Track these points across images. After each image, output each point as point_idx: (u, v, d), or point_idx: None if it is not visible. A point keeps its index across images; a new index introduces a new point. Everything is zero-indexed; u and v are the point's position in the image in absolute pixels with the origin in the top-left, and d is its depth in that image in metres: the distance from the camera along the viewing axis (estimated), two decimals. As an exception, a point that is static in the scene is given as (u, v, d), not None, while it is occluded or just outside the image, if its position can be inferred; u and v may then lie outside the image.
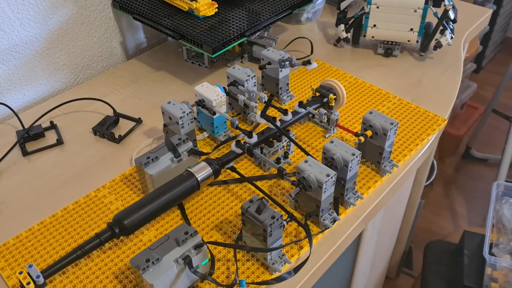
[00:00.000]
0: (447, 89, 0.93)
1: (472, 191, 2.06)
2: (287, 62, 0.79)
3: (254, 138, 0.71)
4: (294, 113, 0.77)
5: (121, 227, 0.59)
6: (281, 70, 0.84)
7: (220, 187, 0.73)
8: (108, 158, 0.80)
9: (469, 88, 2.16)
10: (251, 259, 0.64)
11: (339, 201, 0.70)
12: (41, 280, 0.52)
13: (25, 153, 0.81)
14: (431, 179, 2.00)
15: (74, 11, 0.93)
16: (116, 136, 0.83)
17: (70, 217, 0.70)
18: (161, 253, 0.55)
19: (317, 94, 0.79)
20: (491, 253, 1.23)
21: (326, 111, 0.78)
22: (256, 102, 0.81)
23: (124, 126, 0.86)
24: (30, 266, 0.53)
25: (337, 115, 0.78)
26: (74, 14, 0.93)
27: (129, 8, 0.95)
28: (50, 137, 0.84)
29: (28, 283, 0.52)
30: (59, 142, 0.83)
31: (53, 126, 0.86)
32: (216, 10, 0.92)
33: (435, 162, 2.03)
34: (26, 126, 0.83)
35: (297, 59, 1.01)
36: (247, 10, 0.95)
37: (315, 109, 0.79)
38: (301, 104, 0.76)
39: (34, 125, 0.84)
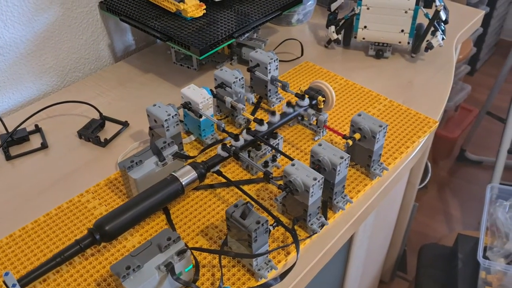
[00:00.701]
0: (439, 91, 0.92)
1: (467, 194, 2.05)
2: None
3: (241, 141, 0.69)
4: (283, 114, 0.75)
5: (102, 233, 0.57)
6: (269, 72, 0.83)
7: (207, 191, 0.72)
8: (93, 162, 0.78)
9: (463, 91, 2.15)
10: (237, 265, 0.62)
11: (327, 205, 0.68)
12: (17, 288, 0.51)
13: (8, 157, 0.79)
14: (425, 182, 1.99)
15: (60, 13, 0.91)
16: (102, 140, 0.81)
17: (52, 223, 0.68)
18: (143, 259, 0.54)
19: (306, 96, 0.78)
20: (485, 257, 1.22)
21: (314, 112, 0.76)
22: (244, 104, 0.80)
23: (110, 129, 0.85)
24: (7, 274, 0.51)
25: (326, 117, 0.77)
26: (60, 16, 0.92)
27: (116, 9, 0.94)
28: (35, 141, 0.83)
29: (4, 292, 0.50)
30: (44, 146, 0.81)
31: (38, 129, 0.84)
32: (204, 11, 0.91)
33: (429, 164, 2.01)
34: (11, 130, 0.82)
35: (287, 60, 1.00)
36: (235, 12, 0.93)
37: (304, 110, 0.77)
38: (289, 104, 0.75)
39: (19, 128, 0.82)
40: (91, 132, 0.82)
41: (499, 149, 1.70)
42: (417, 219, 1.92)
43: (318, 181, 0.61)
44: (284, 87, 0.78)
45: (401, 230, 1.52)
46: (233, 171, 0.75)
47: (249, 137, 0.70)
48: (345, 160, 0.64)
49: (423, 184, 1.99)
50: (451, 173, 2.16)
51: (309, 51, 1.04)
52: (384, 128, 0.69)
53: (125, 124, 0.85)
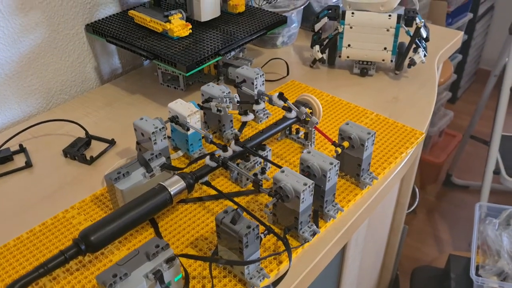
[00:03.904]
0: (423, 105, 0.93)
1: (455, 218, 2.05)
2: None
3: (229, 152, 0.69)
4: (283, 119, 0.75)
5: (87, 243, 0.55)
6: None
7: (195, 204, 0.71)
8: (78, 180, 0.77)
9: (446, 116, 2.19)
10: (228, 275, 0.60)
11: (318, 215, 0.67)
12: (-2, 300, 0.48)
13: (-9, 176, 0.77)
14: (414, 206, 1.99)
15: (46, 35, 0.92)
16: (88, 158, 0.80)
17: (36, 239, 0.66)
18: (130, 268, 0.52)
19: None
20: (478, 275, 1.21)
21: (304, 117, 0.76)
22: (231, 120, 0.80)
23: (96, 147, 0.84)
24: (-13, 285, 0.49)
25: (317, 122, 0.76)
26: (46, 38, 0.92)
27: (102, 31, 0.94)
28: (19, 160, 0.81)
29: (-16, 304, 0.48)
30: (28, 165, 0.79)
31: (22, 149, 0.83)
32: (190, 31, 0.92)
33: (416, 189, 2.02)
34: (-6, 150, 0.80)
35: (273, 80, 1.01)
36: (221, 31, 0.95)
37: (292, 123, 0.77)
38: (281, 96, 0.74)
39: (2, 148, 0.81)
40: (77, 150, 0.81)
41: (485, 169, 1.71)
42: (407, 243, 1.91)
43: (309, 187, 0.60)
44: (271, 100, 0.79)
45: (393, 253, 1.50)
46: (222, 184, 0.74)
47: (238, 148, 0.70)
48: (334, 166, 0.63)
49: (411, 209, 1.99)
50: (439, 197, 2.16)
51: (295, 71, 1.05)
52: (372, 136, 0.69)
53: (111, 142, 0.84)
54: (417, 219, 2.06)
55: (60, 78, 0.97)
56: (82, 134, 0.85)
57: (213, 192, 0.72)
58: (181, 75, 0.96)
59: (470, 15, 2.22)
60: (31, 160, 0.80)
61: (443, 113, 2.19)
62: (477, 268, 1.24)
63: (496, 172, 1.67)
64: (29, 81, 0.92)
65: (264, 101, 0.86)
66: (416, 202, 2.01)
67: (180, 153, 0.80)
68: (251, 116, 0.71)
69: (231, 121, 0.82)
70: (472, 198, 2.11)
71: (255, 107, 0.72)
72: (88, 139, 0.83)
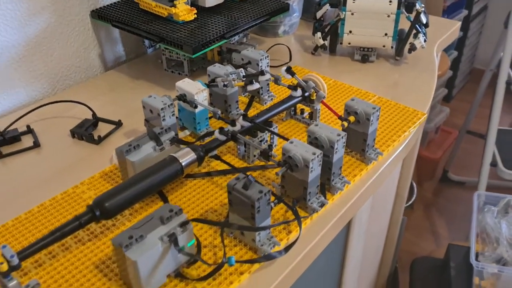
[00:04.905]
0: (424, 89, 0.95)
1: (452, 213, 2.07)
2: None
3: (238, 127, 0.70)
4: (289, 98, 0.76)
5: (102, 209, 0.56)
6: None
7: (204, 179, 0.72)
8: (87, 159, 0.78)
9: (443, 113, 2.21)
10: (238, 244, 0.61)
11: (325, 188, 0.69)
12: (15, 260, 0.49)
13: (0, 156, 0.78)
14: (411, 201, 2.01)
15: (52, 20, 0.93)
16: (96, 137, 0.81)
17: (47, 212, 0.66)
18: (145, 231, 0.53)
19: (299, 88, 0.79)
20: (477, 261, 1.22)
21: (309, 95, 0.77)
22: (237, 99, 0.81)
23: (103, 129, 0.84)
24: (4, 246, 0.50)
25: (324, 96, 0.77)
26: (52, 23, 0.93)
27: (107, 17, 0.95)
28: (27, 141, 0.82)
29: (1, 263, 0.48)
30: (36, 144, 0.80)
31: (29, 130, 0.83)
32: (195, 16, 0.93)
33: (414, 185, 2.04)
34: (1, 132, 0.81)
35: (276, 66, 1.03)
36: (225, 17, 0.96)
37: (298, 102, 0.79)
38: (288, 70, 0.75)
39: (10, 129, 0.81)
40: (85, 130, 0.82)
41: (482, 161, 1.73)
42: (405, 238, 1.92)
43: (317, 156, 0.61)
44: (277, 80, 0.80)
45: (392, 245, 1.51)
46: (229, 161, 0.75)
47: (246, 123, 0.71)
48: (342, 137, 0.65)
49: (409, 203, 2.01)
50: (436, 193, 2.18)
51: (297, 58, 1.06)
52: (377, 111, 0.71)
53: (118, 124, 0.85)
54: (415, 215, 2.07)
55: (65, 64, 0.98)
56: (88, 116, 0.86)
57: (221, 168, 0.73)
58: (185, 61, 0.97)
59: (465, 12, 2.25)
60: (38, 140, 0.81)
61: (439, 110, 2.21)
62: (476, 256, 1.25)
63: (493, 164, 1.69)
64: (35, 66, 0.93)
65: (268, 84, 0.87)
66: (414, 197, 2.04)
67: (187, 132, 0.81)
68: (256, 85, 0.72)
69: (237, 101, 0.84)
70: (469, 194, 2.12)
71: (260, 78, 0.73)
72: (95, 120, 0.84)
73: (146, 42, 1.07)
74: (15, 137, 0.81)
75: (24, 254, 0.51)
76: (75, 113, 0.88)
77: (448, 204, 2.12)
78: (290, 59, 1.05)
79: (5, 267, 0.48)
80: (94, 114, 0.85)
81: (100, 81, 0.99)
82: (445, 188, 2.20)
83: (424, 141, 2.19)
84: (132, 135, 0.83)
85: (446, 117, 2.25)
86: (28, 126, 0.84)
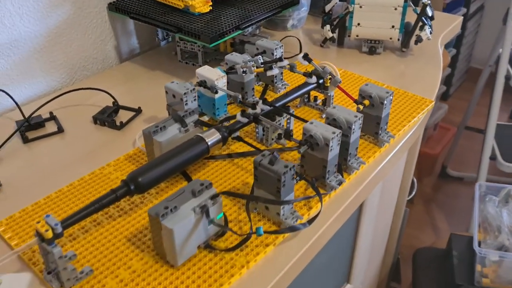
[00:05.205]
0: (430, 79, 0.99)
1: (451, 208, 2.11)
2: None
3: (258, 110, 0.73)
4: (304, 84, 0.80)
5: (136, 184, 0.59)
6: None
7: (225, 161, 0.75)
8: (110, 143, 0.81)
9: (441, 109, 2.26)
10: (262, 219, 0.64)
11: (342, 168, 0.72)
12: (59, 228, 0.52)
13: (25, 140, 0.81)
14: (412, 195, 2.04)
15: (72, 11, 0.96)
16: (118, 123, 0.84)
17: (76, 191, 0.69)
18: (179, 203, 0.56)
19: (314, 75, 0.83)
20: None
21: (323, 81, 0.80)
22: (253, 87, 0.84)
23: (123, 116, 0.87)
24: (48, 216, 0.52)
25: (340, 81, 0.81)
26: (71, 14, 0.96)
27: (125, 9, 0.98)
28: (50, 127, 0.85)
29: (47, 230, 0.51)
30: (60, 130, 0.83)
31: (52, 117, 0.86)
32: (211, 8, 0.97)
33: (415, 180, 2.08)
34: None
35: (286, 58, 1.06)
36: (239, 9, 1.00)
37: (313, 88, 0.82)
38: (306, 57, 0.78)
39: (34, 115, 0.84)
40: (107, 116, 0.84)
41: (482, 155, 1.78)
42: (406, 232, 1.96)
43: (337, 135, 0.65)
44: (292, 68, 0.83)
45: (395, 236, 1.55)
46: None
47: (265, 107, 0.74)
48: (359, 118, 0.68)
49: (410, 197, 2.04)
50: (435, 188, 2.22)
51: (306, 50, 1.10)
52: (390, 95, 0.74)
53: (138, 111, 0.88)
54: (415, 209, 2.11)
55: (83, 55, 1.01)
56: (108, 103, 0.89)
57: (240, 151, 0.76)
58: (200, 52, 1.01)
59: (464, 10, 2.30)
60: (62, 127, 0.84)
61: (438, 106, 2.26)
62: (478, 244, 1.29)
63: (492, 157, 1.74)
64: (55, 56, 0.96)
65: (282, 73, 0.91)
66: (414, 191, 2.07)
67: (206, 118, 0.84)
68: (276, 70, 0.76)
69: (253, 89, 0.87)
70: (467, 189, 2.17)
71: (279, 64, 0.77)
72: (117, 107, 0.87)
73: (160, 34, 1.10)
74: (40, 123, 0.84)
75: (66, 223, 0.54)
76: (94, 101, 0.91)
77: (447, 199, 2.16)
78: (300, 51, 1.08)
79: (50, 234, 0.51)
80: (115, 101, 0.88)
81: (116, 72, 1.03)
82: (444, 184, 2.24)
83: (423, 138, 2.23)
84: (152, 121, 0.86)
85: (445, 113, 2.29)
86: (51, 113, 0.87)
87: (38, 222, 0.52)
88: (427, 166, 2.26)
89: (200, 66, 1.02)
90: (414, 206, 2.12)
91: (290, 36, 1.12)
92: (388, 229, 1.42)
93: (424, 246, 1.58)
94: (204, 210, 0.56)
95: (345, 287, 1.04)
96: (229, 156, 0.74)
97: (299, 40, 1.09)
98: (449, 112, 2.42)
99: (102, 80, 0.99)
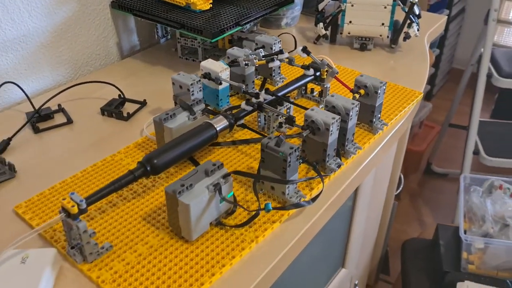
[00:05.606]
0: (418, 74, 1.05)
1: (436, 203, 2.18)
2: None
3: (261, 99, 0.78)
4: (303, 76, 0.85)
5: (151, 165, 0.63)
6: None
7: (229, 147, 0.79)
8: (118, 133, 0.84)
9: (426, 107, 2.33)
10: (268, 199, 0.69)
11: (340, 153, 0.77)
12: (83, 204, 0.56)
13: (36, 130, 0.84)
14: (399, 190, 2.10)
15: (77, 9, 0.99)
16: (125, 114, 0.87)
17: (90, 176, 0.73)
18: (193, 181, 0.60)
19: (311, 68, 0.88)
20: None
21: (319, 74, 0.85)
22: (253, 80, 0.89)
23: (129, 108, 0.91)
24: (72, 193, 0.56)
25: (337, 71, 0.86)
26: (76, 11, 0.99)
27: (128, 6, 1.02)
28: (59, 119, 0.88)
29: (72, 206, 0.55)
30: (69, 121, 0.87)
31: (60, 109, 0.90)
32: (211, 5, 1.01)
33: (401, 175, 2.14)
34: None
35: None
36: (238, 6, 1.04)
37: (309, 81, 0.87)
38: (304, 50, 0.83)
39: (43, 107, 0.88)
40: (114, 108, 0.88)
41: (465, 149, 1.85)
42: (393, 226, 2.02)
43: (336, 121, 0.70)
44: (291, 61, 0.88)
45: (384, 226, 1.61)
46: (250, 132, 0.83)
47: (268, 96, 0.79)
48: (356, 106, 0.73)
49: (397, 192, 2.10)
50: (421, 184, 2.29)
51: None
52: (384, 85, 0.80)
53: (143, 103, 0.92)
54: (402, 204, 2.18)
55: (87, 51, 1.05)
56: (114, 96, 0.93)
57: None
58: (200, 48, 1.05)
59: (447, 11, 2.38)
60: (71, 118, 0.87)
61: (423, 105, 2.33)
62: (464, 233, 1.35)
63: (476, 152, 1.81)
64: (60, 51, 1.00)
65: (286, 53, 0.95)
66: (401, 187, 2.14)
67: (210, 108, 0.88)
68: (277, 62, 0.81)
69: (253, 81, 0.92)
70: (451, 185, 2.25)
71: (280, 56, 0.82)
72: (123, 100, 0.91)
73: (159, 32, 1.14)
74: (49, 115, 0.87)
75: (90, 200, 0.58)
76: (100, 94, 0.95)
77: (433, 194, 2.24)
78: (295, 47, 1.13)
79: (75, 209, 0.55)
80: (121, 94, 0.92)
81: (118, 67, 1.06)
82: (429, 180, 2.32)
83: (409, 136, 2.31)
84: (157, 112, 0.90)
85: (429, 112, 2.37)
86: (59, 105, 0.90)
87: (63, 199, 0.56)
88: (413, 163, 2.33)
89: (200, 61, 1.07)
90: (401, 201, 2.19)
91: (285, 33, 1.18)
92: (379, 219, 1.47)
93: (412, 238, 1.64)
94: (217, 188, 0.60)
95: (340, 271, 1.09)
96: (234, 143, 0.79)
97: (294, 37, 1.15)
98: (433, 111, 2.50)
99: (105, 75, 1.03)
